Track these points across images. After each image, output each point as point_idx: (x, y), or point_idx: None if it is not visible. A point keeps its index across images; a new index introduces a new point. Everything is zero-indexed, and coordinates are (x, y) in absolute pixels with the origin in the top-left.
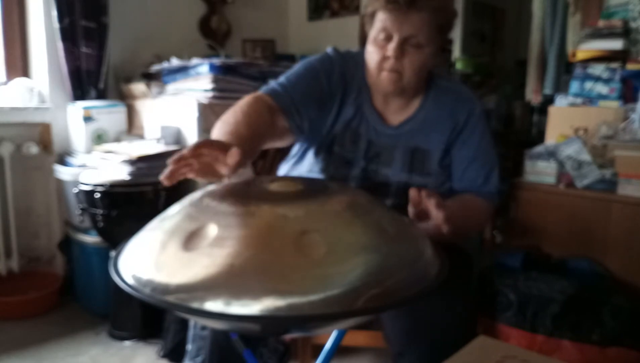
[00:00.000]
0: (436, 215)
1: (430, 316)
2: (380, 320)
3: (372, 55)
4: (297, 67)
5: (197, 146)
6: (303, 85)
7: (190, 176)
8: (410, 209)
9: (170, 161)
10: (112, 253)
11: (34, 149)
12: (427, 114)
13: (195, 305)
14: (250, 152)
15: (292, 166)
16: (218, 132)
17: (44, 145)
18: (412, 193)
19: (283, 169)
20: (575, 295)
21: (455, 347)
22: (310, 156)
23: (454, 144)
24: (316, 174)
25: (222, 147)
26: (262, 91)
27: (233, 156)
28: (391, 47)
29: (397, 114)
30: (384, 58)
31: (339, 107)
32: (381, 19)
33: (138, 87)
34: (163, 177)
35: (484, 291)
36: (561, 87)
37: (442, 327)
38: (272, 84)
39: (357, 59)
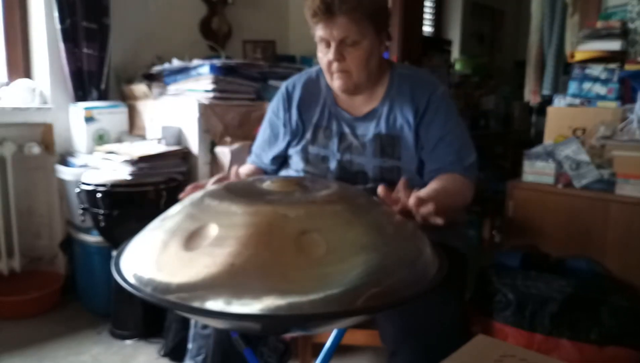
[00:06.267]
0: (424, 211)
1: (424, 316)
2: (375, 319)
3: (321, 61)
4: (264, 121)
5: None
6: (265, 139)
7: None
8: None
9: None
10: (114, 253)
11: (35, 149)
12: (391, 101)
13: (196, 304)
14: None
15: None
16: None
17: (45, 145)
18: (382, 192)
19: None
20: (574, 294)
21: (448, 345)
22: (294, 158)
23: (420, 127)
24: (301, 173)
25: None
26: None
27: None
28: (330, 52)
29: (362, 106)
30: (329, 63)
31: (302, 122)
32: (317, 31)
33: (139, 88)
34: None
35: (483, 291)
36: (559, 87)
37: (435, 326)
38: (251, 155)
39: (315, 73)
